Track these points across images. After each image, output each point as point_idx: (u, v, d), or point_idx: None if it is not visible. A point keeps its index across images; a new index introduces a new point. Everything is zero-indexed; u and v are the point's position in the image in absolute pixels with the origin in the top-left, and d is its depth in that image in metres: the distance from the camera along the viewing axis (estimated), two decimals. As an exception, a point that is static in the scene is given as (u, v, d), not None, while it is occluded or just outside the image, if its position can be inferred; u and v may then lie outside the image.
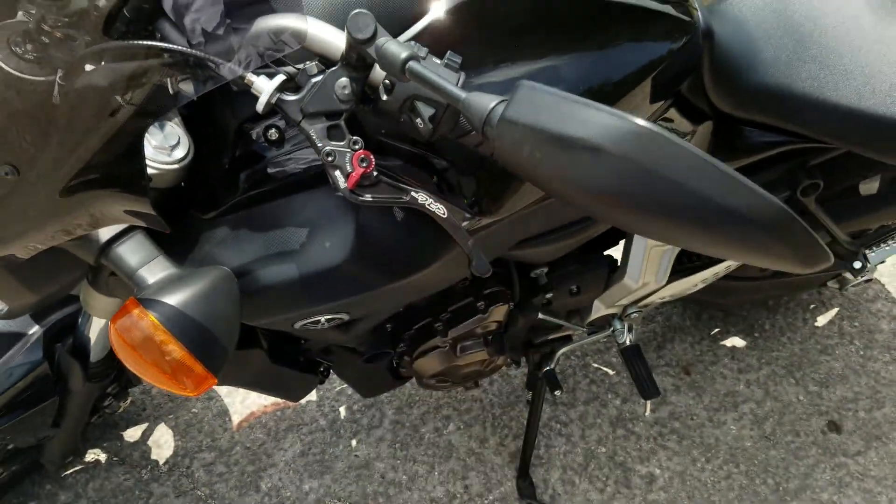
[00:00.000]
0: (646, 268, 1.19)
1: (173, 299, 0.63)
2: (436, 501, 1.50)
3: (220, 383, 1.08)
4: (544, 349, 1.40)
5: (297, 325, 0.83)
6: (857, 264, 1.29)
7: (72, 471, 1.53)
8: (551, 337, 1.39)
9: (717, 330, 1.77)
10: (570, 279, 1.20)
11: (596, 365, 1.71)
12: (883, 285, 1.84)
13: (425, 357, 1.19)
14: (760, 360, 1.71)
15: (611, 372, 1.69)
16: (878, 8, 1.00)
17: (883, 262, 1.32)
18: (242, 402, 1.64)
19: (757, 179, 1.07)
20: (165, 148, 0.69)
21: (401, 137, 0.72)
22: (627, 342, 1.37)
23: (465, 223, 0.73)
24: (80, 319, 1.05)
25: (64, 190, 0.61)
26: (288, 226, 0.74)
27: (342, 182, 0.63)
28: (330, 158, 0.63)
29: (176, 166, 0.70)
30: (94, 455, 1.56)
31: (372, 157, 0.63)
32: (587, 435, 1.59)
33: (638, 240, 1.16)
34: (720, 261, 1.25)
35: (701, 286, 1.32)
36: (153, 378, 0.66)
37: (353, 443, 1.58)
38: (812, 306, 1.81)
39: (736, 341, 1.75)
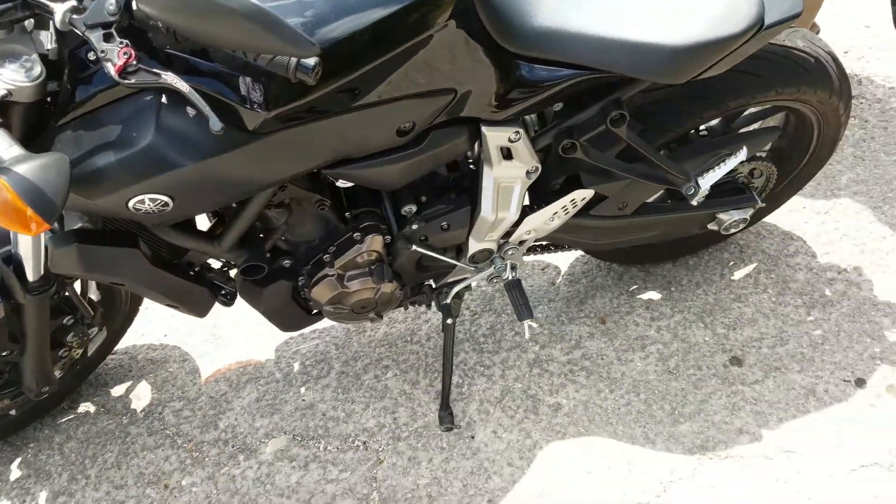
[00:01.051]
0: (497, 202, 1.41)
1: (17, 167, 0.90)
2: (367, 430, 1.71)
3: (132, 289, 1.34)
4: (444, 288, 1.61)
5: (130, 204, 1.07)
6: (690, 189, 1.47)
7: (65, 419, 1.82)
8: (451, 279, 1.61)
9: (635, 287, 1.93)
10: (437, 216, 1.42)
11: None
12: (804, 242, 1.97)
13: (318, 286, 1.44)
14: (673, 309, 1.86)
15: (534, 325, 1.87)
16: None
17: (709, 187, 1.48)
18: (211, 363, 1.91)
19: (580, 116, 1.29)
20: (21, 70, 0.98)
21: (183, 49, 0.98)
22: (510, 277, 1.58)
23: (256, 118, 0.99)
24: (11, 238, 1.33)
25: None
26: (110, 124, 1.02)
27: (112, 70, 0.89)
28: (103, 54, 0.89)
29: (30, 83, 0.98)
30: (85, 407, 1.85)
31: (133, 52, 0.89)
32: (506, 375, 1.78)
33: (487, 177, 1.37)
34: (561, 196, 1.45)
35: (558, 222, 1.51)
36: (4, 221, 0.92)
37: (302, 390, 1.82)
38: (731, 263, 1.95)
39: (653, 295, 1.91)
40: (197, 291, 1.40)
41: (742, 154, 1.47)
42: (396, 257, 1.46)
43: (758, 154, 1.66)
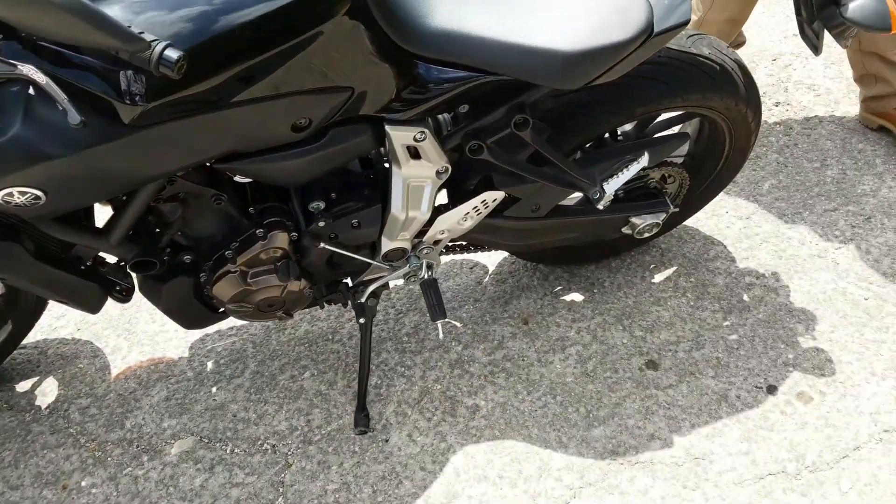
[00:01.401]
0: (407, 201, 1.38)
1: None
2: (278, 433, 1.67)
3: (14, 284, 1.28)
4: (360, 286, 1.58)
5: None
6: (596, 194, 1.47)
7: (-35, 416, 1.75)
8: (367, 278, 1.58)
9: (559, 288, 1.93)
10: (347, 213, 1.39)
11: (446, 319, 1.87)
12: (725, 246, 1.98)
13: (220, 283, 1.39)
14: (594, 311, 1.86)
15: (458, 325, 1.85)
16: None
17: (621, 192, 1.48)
18: (123, 359, 1.85)
19: (486, 119, 1.28)
20: None
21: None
22: (426, 276, 1.55)
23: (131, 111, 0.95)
24: None
25: None
26: None
27: None
28: None
29: None
30: (-13, 403, 1.78)
31: None
32: (427, 376, 1.75)
33: (396, 176, 1.35)
34: (473, 197, 1.43)
35: (471, 222, 1.49)
36: None
37: (214, 389, 1.77)
38: (652, 266, 1.96)
39: (575, 296, 1.90)
40: (85, 287, 1.34)
41: (644, 160, 1.47)
42: (304, 255, 1.43)
43: (670, 160, 1.66)
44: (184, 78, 0.93)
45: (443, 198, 1.48)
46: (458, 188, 1.46)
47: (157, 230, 1.33)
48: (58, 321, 1.94)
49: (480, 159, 1.35)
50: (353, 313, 1.63)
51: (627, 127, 1.64)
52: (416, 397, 1.71)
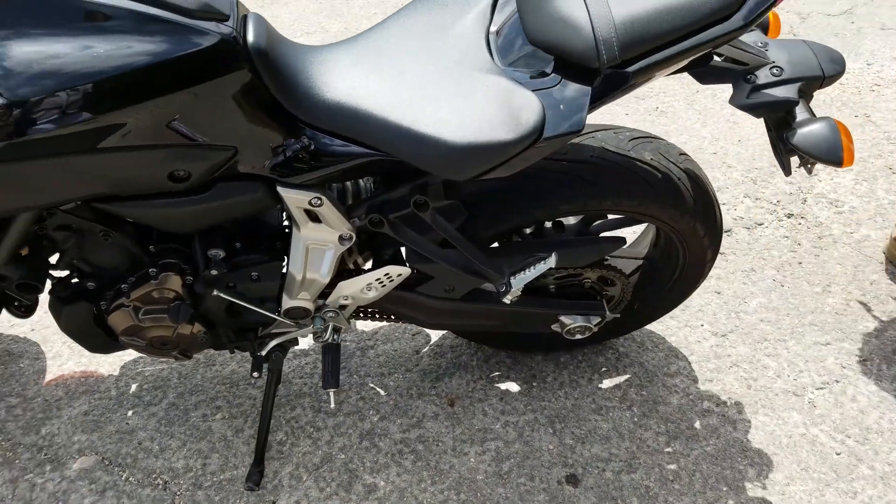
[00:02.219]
0: (307, 262, 1.35)
1: None
2: (173, 470, 1.65)
3: None
4: (265, 339, 1.55)
5: None
6: (503, 287, 1.38)
7: None
8: (274, 331, 1.54)
9: (497, 373, 1.83)
10: (247, 265, 1.37)
11: (372, 385, 1.81)
12: (689, 363, 1.83)
13: (114, 314, 1.39)
14: (527, 407, 1.75)
15: (382, 392, 1.79)
16: (456, 70, 1.17)
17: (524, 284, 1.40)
18: (60, 367, 1.88)
19: (389, 194, 1.24)
20: None
21: None
22: (330, 340, 1.51)
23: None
24: None
25: None
26: None
27: None
28: None
29: None
30: (-73, 385, 1.86)
31: None
32: (334, 442, 1.69)
33: (295, 236, 1.32)
34: (375, 268, 1.38)
35: (375, 293, 1.43)
36: None
37: (130, 413, 1.77)
38: (604, 369, 1.83)
39: (512, 386, 1.80)
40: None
41: (551, 261, 1.37)
42: (199, 300, 1.41)
43: (611, 262, 1.56)
44: (43, 121, 0.94)
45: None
46: (368, 251, 1.42)
47: (53, 253, 1.34)
48: (18, 320, 2.00)
49: (379, 232, 1.31)
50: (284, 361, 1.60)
51: (572, 220, 1.55)
52: (317, 463, 1.65)
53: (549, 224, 1.53)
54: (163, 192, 1.17)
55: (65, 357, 1.90)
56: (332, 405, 1.71)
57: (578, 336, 1.60)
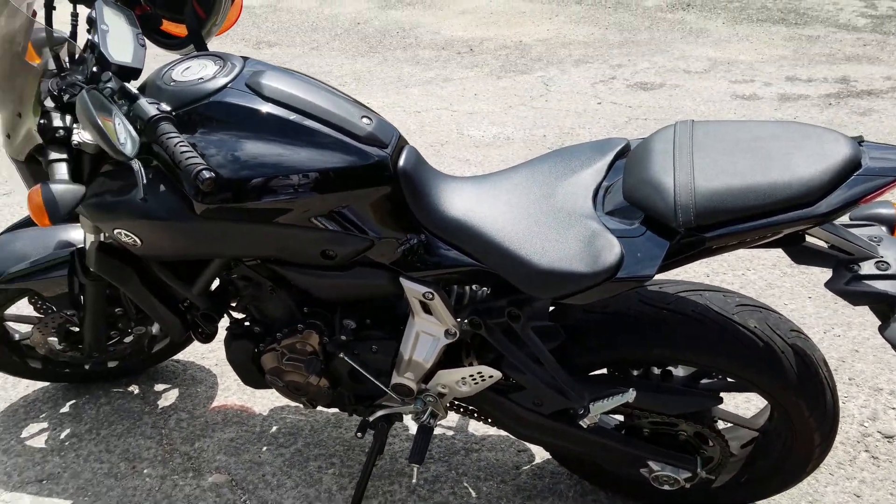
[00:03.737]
0: (415, 347, 1.60)
1: (53, 186, 1.34)
2: (278, 505, 1.92)
3: (130, 295, 1.74)
4: (375, 408, 1.79)
5: (115, 232, 1.48)
6: (581, 410, 1.50)
7: (116, 389, 2.31)
8: (383, 402, 1.78)
9: (585, 504, 1.89)
10: (370, 338, 1.65)
11: (466, 484, 1.96)
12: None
13: (266, 355, 1.73)
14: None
15: (473, 494, 1.93)
16: (560, 210, 1.40)
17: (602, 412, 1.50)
18: (226, 397, 2.27)
19: (490, 301, 1.49)
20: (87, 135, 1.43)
21: None
22: (426, 422, 1.71)
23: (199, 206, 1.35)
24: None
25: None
26: (115, 178, 1.44)
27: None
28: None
29: (91, 142, 1.43)
30: (132, 387, 2.32)
31: None
32: (415, 521, 1.86)
33: (410, 322, 1.58)
34: (478, 363, 1.58)
35: (469, 389, 1.62)
36: (32, 213, 1.37)
37: (264, 448, 2.08)
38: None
39: (595, 520, 1.85)
40: (170, 318, 1.77)
41: (629, 395, 1.47)
42: (329, 359, 1.70)
43: (709, 419, 1.61)
44: (239, 196, 1.33)
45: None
46: (477, 350, 1.63)
47: (235, 297, 1.72)
48: (210, 353, 2.46)
49: (477, 333, 1.52)
50: (402, 436, 1.82)
51: (681, 371, 1.64)
52: (397, 534, 1.82)
53: (657, 370, 1.64)
54: (316, 264, 1.50)
55: (231, 390, 2.30)
56: (414, 479, 1.89)
57: (667, 487, 1.64)
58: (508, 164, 3.64)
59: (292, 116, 1.37)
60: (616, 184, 1.43)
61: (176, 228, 1.42)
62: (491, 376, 1.59)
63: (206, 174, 1.17)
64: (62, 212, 1.34)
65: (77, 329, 2.08)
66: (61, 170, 1.39)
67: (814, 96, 4.27)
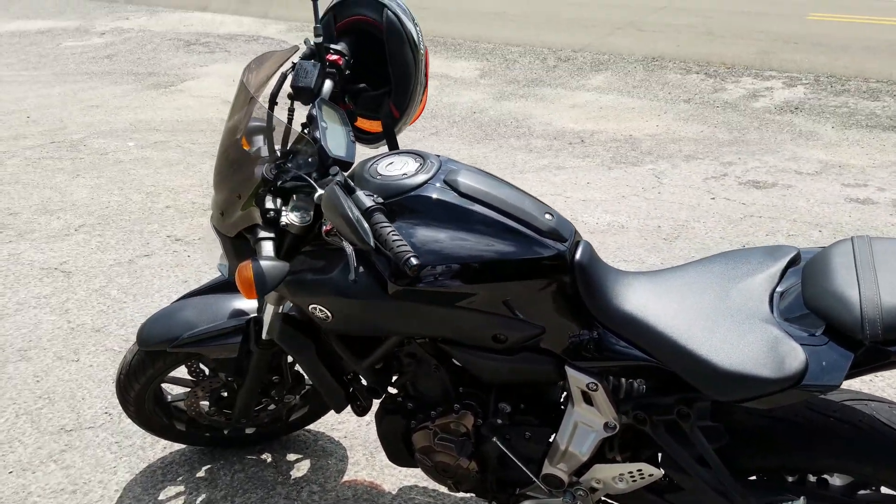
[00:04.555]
0: (572, 437, 1.62)
1: (262, 262, 1.45)
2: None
3: (299, 365, 1.83)
4: (520, 498, 1.80)
5: (310, 307, 1.58)
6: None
7: (250, 456, 2.39)
8: (527, 492, 1.79)
9: None
10: (523, 424, 1.68)
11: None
12: None
13: (418, 433, 1.78)
14: None
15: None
16: (738, 312, 1.43)
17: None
18: (356, 472, 2.32)
19: (658, 397, 1.51)
20: (298, 216, 1.51)
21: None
22: (573, 515, 1.71)
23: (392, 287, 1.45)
24: (259, 307, 1.94)
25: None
26: (318, 258, 1.55)
27: (324, 229, 1.43)
28: (324, 221, 1.44)
29: (300, 225, 1.52)
30: (266, 455, 2.40)
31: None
32: None
33: (569, 411, 1.61)
34: (635, 460, 1.58)
35: (626, 486, 1.61)
36: (240, 284, 1.48)
37: (396, 526, 2.11)
38: None
39: None
40: (335, 389, 1.85)
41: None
42: (481, 442, 1.73)
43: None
44: (430, 280, 1.41)
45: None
46: (631, 446, 1.63)
47: (395, 373, 1.80)
48: (340, 424, 2.53)
49: (645, 431, 1.53)
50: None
51: (839, 481, 1.60)
52: None
53: (812, 478, 1.60)
54: (485, 347, 1.56)
55: (361, 465, 2.34)
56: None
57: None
58: (624, 251, 3.68)
59: (485, 211, 1.46)
60: (790, 291, 1.44)
61: (368, 306, 1.52)
62: (651, 475, 1.59)
63: (414, 261, 1.25)
64: (269, 287, 1.45)
65: (226, 394, 2.19)
66: (268, 247, 1.50)
67: (932, 204, 4.16)
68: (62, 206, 4.32)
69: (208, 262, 3.57)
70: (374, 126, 1.89)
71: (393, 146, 1.86)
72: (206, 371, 2.17)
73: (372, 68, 1.85)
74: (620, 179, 4.58)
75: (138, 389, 2.11)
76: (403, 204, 1.47)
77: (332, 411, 2.41)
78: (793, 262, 1.50)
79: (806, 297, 1.37)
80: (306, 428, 2.50)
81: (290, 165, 1.53)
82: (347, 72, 1.77)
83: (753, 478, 1.60)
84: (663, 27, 8.77)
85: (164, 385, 2.25)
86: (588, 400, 1.56)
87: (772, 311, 1.41)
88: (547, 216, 1.49)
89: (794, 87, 6.39)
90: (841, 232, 3.84)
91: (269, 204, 1.52)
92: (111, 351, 2.94)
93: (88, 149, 5.28)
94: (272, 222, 1.51)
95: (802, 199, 4.25)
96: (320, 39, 1.69)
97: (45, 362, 2.88)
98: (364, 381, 1.87)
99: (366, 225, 1.29)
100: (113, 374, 2.79)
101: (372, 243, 1.27)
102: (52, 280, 3.50)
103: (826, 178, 4.53)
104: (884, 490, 1.56)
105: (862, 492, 1.58)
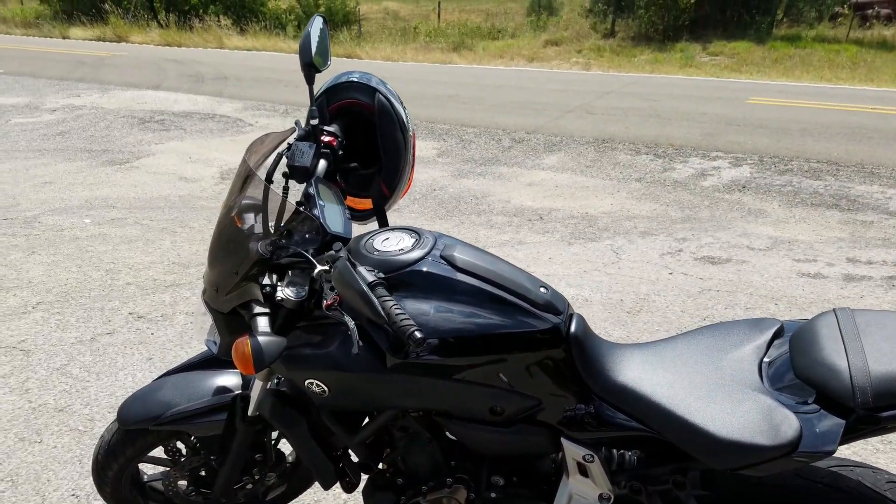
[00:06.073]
0: (566, 512, 1.63)
1: (260, 337, 1.46)
2: None
3: (289, 440, 1.81)
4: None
5: (305, 382, 1.59)
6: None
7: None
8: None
9: None
10: (518, 496, 1.69)
11: None
12: None
13: (407, 506, 1.77)
14: None
15: None
16: (730, 382, 1.49)
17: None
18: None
19: (654, 469, 1.53)
20: (293, 291, 1.53)
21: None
22: (573, 592, 1.70)
23: (391, 361, 1.47)
24: (250, 383, 1.92)
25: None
26: (316, 334, 1.56)
27: (324, 304, 1.45)
28: (325, 294, 1.44)
29: (294, 300, 1.55)
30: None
31: (339, 299, 1.42)
32: None
33: (563, 483, 1.63)
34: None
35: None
36: (237, 360, 1.48)
37: None
38: None
39: None
40: (326, 465, 1.83)
41: None
42: (475, 516, 1.73)
43: None
44: (429, 353, 1.44)
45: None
46: None
47: (387, 448, 1.79)
48: (316, 503, 2.47)
49: (640, 501, 1.56)
50: None
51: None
52: None
53: None
54: (481, 419, 1.58)
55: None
56: None
57: None
58: (590, 324, 3.74)
59: (481, 284, 1.51)
60: (778, 361, 1.51)
61: (366, 380, 1.53)
62: (646, 545, 1.61)
63: (418, 334, 1.28)
64: (267, 362, 1.46)
65: (205, 473, 2.13)
66: (264, 322, 1.51)
67: (876, 277, 4.39)
68: (18, 284, 4.21)
69: (197, 337, 3.51)
70: (363, 204, 1.95)
71: (383, 222, 1.92)
72: (184, 450, 2.12)
73: (362, 148, 1.92)
74: (581, 255, 4.71)
75: (116, 469, 2.04)
76: (401, 279, 1.51)
77: (307, 490, 2.38)
78: (777, 334, 1.58)
79: (796, 368, 1.44)
80: (282, 508, 2.43)
81: (285, 242, 1.56)
82: (340, 152, 1.83)
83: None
84: (612, 110, 9.21)
85: (140, 465, 2.19)
86: (583, 471, 1.58)
87: (762, 381, 1.48)
88: (542, 290, 1.55)
89: (740, 167, 6.75)
90: (795, 305, 4.01)
91: (265, 280, 1.55)
92: (76, 431, 2.83)
93: (43, 225, 5.19)
94: (267, 297, 1.53)
95: (756, 273, 4.43)
96: (317, 121, 1.76)
97: (7, 444, 2.76)
98: (354, 457, 1.86)
99: (374, 299, 1.32)
100: (78, 454, 2.68)
101: (384, 315, 1.30)
102: (11, 359, 3.39)
103: (777, 254, 4.74)
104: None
105: None
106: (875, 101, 9.94)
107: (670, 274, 4.42)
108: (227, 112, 9.26)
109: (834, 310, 1.51)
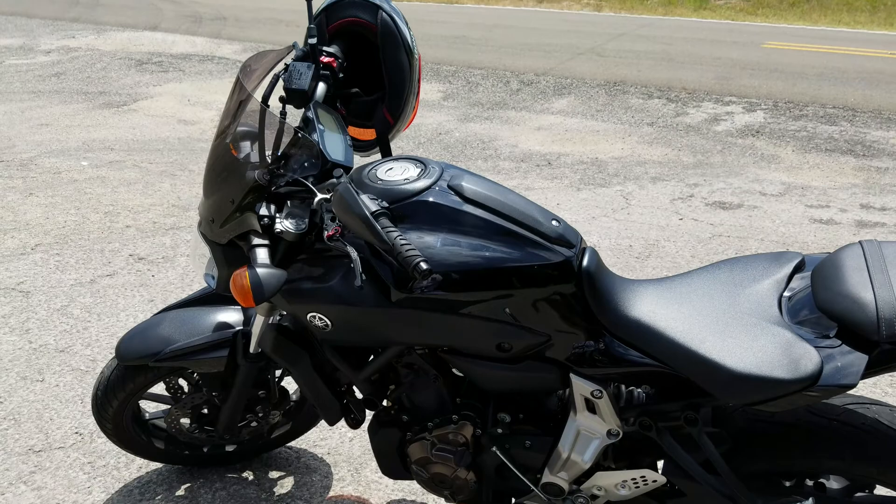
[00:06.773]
0: (574, 445, 1.59)
1: (259, 269, 1.40)
2: None
3: (294, 377, 1.78)
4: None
5: (308, 316, 1.54)
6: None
7: (231, 474, 2.29)
8: (526, 502, 1.76)
9: None
10: (523, 433, 1.65)
11: None
12: None
13: (414, 444, 1.73)
14: None
15: None
16: (748, 316, 1.42)
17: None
18: (342, 488, 2.25)
19: (663, 403, 1.48)
20: (293, 223, 1.46)
21: None
22: (573, 522, 1.67)
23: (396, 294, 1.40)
24: (251, 319, 1.88)
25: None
26: (319, 265, 1.51)
27: (325, 234, 1.37)
28: (325, 226, 1.37)
29: (294, 232, 1.48)
30: (247, 473, 2.31)
31: (340, 229, 1.35)
32: None
33: (571, 419, 1.58)
34: (633, 467, 1.56)
35: (628, 493, 1.59)
36: (235, 292, 1.42)
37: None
38: None
39: None
40: (331, 401, 1.79)
41: None
42: (480, 451, 1.69)
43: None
44: (435, 287, 1.37)
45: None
46: (629, 453, 1.61)
47: (392, 384, 1.75)
48: (322, 441, 2.45)
49: (650, 437, 1.52)
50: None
51: (836, 484, 1.61)
52: None
53: (810, 482, 1.60)
54: (488, 356, 1.53)
55: (346, 481, 2.27)
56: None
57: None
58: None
59: (490, 216, 1.44)
60: (799, 294, 1.45)
61: (370, 314, 1.47)
62: (654, 481, 1.57)
63: (424, 265, 1.22)
64: (268, 295, 1.40)
65: (208, 411, 2.11)
66: (263, 254, 1.45)
67: (890, 224, 4.30)
68: (15, 226, 4.15)
69: (195, 271, 3.46)
70: (366, 134, 1.86)
71: (386, 153, 1.84)
72: (185, 387, 2.08)
73: (363, 74, 1.82)
74: (590, 200, 4.62)
75: (116, 406, 2.01)
76: (406, 209, 1.43)
77: (313, 429, 2.36)
78: (798, 268, 1.51)
79: (818, 301, 1.37)
80: (289, 445, 2.42)
81: (284, 170, 1.49)
82: (340, 75, 1.74)
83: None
84: (623, 53, 8.98)
85: (140, 402, 2.16)
86: (591, 408, 1.54)
87: (782, 315, 1.42)
88: (554, 223, 1.48)
89: (753, 112, 6.58)
90: (807, 250, 3.93)
91: (262, 210, 1.48)
92: (77, 371, 2.81)
93: (40, 167, 5.11)
94: (266, 229, 1.47)
95: (768, 219, 4.34)
96: (314, 40, 1.66)
97: (9, 383, 2.74)
98: (359, 393, 1.82)
99: (378, 225, 1.25)
100: (80, 393, 2.66)
101: (389, 242, 1.23)
102: (10, 300, 3.35)
103: (790, 200, 4.64)
104: (879, 491, 1.57)
105: (859, 494, 1.59)
106: (894, 45, 9.66)
107: (681, 219, 4.34)
108: (226, 54, 9.06)
109: (860, 242, 1.44)
